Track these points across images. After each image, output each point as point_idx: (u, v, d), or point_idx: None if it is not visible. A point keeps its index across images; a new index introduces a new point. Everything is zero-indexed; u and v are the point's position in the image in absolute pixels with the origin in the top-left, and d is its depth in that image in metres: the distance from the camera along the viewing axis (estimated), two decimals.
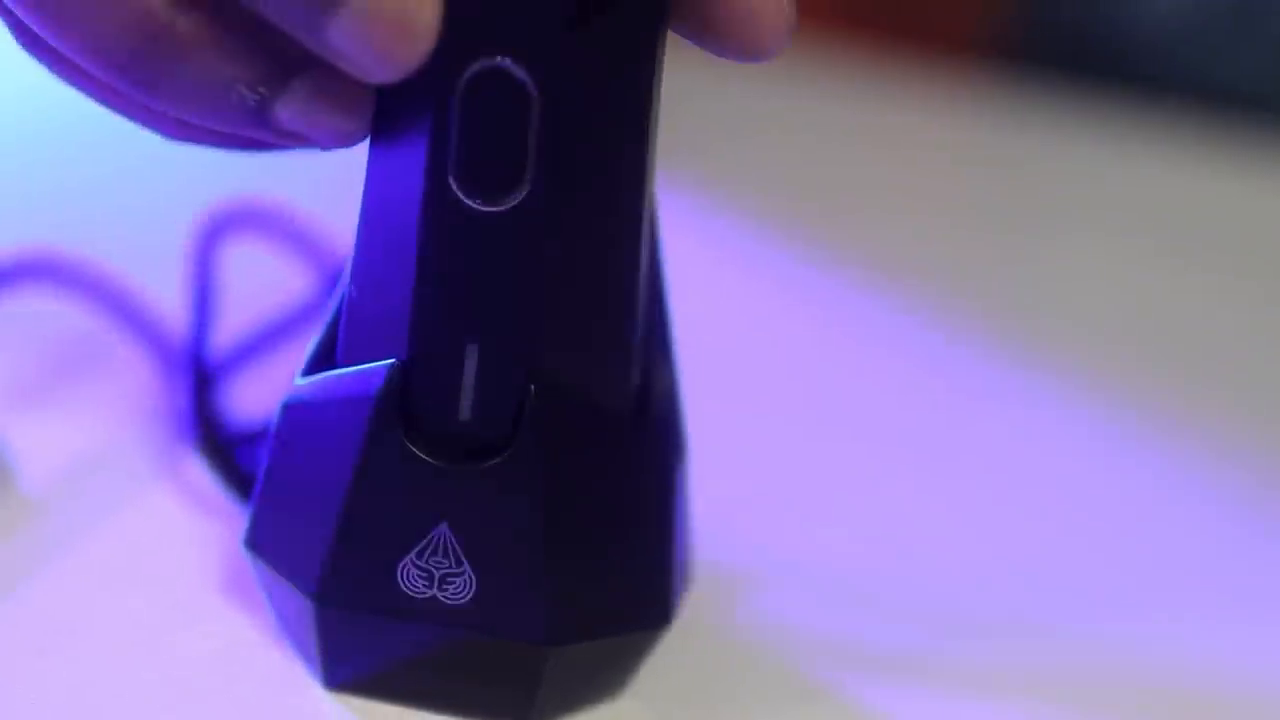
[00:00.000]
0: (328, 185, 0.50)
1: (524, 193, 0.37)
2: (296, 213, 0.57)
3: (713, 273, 0.63)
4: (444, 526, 0.39)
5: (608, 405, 0.40)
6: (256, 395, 0.50)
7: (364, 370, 0.39)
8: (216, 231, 0.54)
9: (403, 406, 0.38)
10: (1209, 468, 0.57)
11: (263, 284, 0.55)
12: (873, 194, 0.78)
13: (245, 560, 0.42)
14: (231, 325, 0.53)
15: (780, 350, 0.61)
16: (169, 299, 0.54)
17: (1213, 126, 0.87)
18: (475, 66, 0.36)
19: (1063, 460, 0.56)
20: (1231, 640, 0.48)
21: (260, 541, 0.41)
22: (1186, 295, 0.71)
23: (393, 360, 0.38)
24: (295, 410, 0.40)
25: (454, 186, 0.37)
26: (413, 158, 0.37)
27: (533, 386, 0.38)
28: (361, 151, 0.39)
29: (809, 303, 0.65)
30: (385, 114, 0.38)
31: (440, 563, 0.39)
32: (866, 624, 0.47)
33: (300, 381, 0.41)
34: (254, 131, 0.38)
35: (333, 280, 0.54)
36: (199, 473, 0.47)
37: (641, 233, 0.39)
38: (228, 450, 0.45)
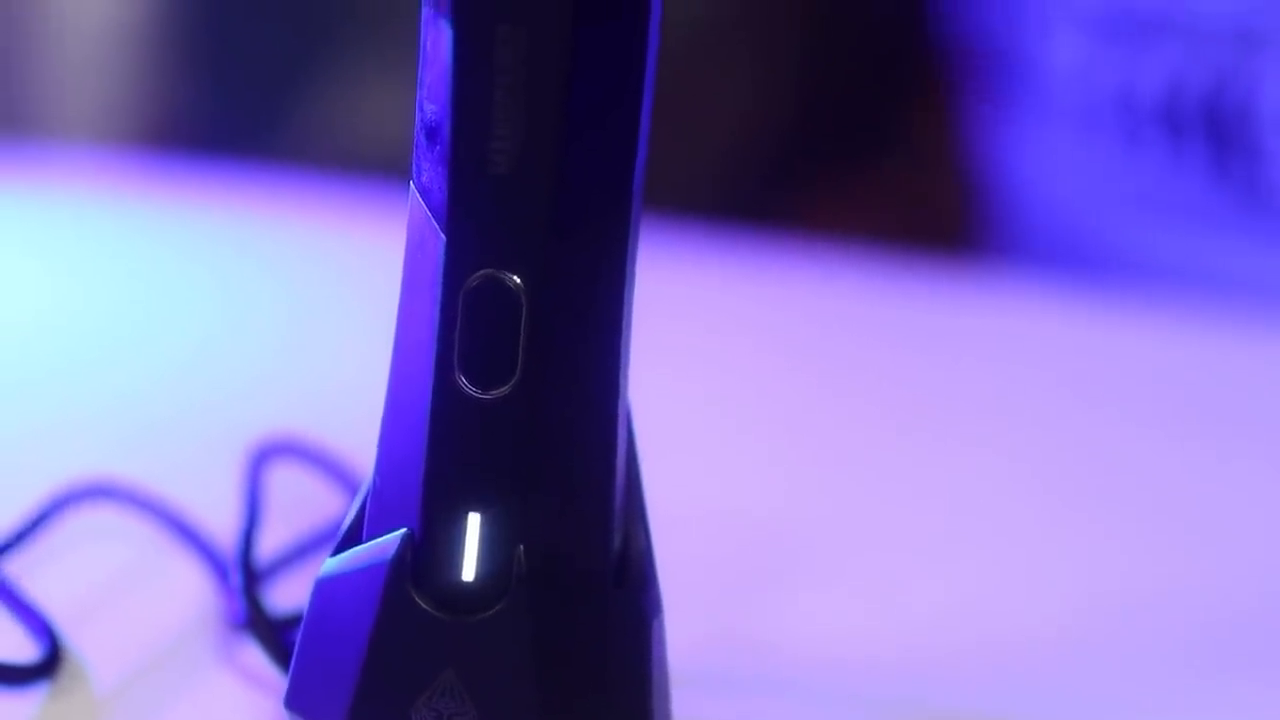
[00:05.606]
0: (356, 424, 0.58)
1: (515, 381, 0.45)
2: (330, 445, 0.65)
3: (680, 446, 0.69)
4: (449, 672, 0.45)
5: (591, 566, 0.47)
6: (297, 590, 0.57)
7: (380, 542, 0.46)
8: (263, 458, 0.62)
9: (413, 568, 0.46)
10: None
11: (301, 504, 0.62)
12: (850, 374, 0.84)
13: None
14: (275, 537, 0.60)
15: (746, 508, 0.67)
16: (217, 517, 0.61)
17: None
18: (475, 275, 0.44)
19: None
20: None
21: (297, 699, 0.48)
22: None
23: (405, 530, 0.46)
24: (325, 583, 0.48)
25: (459, 377, 0.45)
26: (425, 354, 0.45)
27: (522, 548, 0.45)
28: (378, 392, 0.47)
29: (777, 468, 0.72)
30: (403, 321, 0.46)
31: (448, 704, 0.46)
32: None
33: (330, 561, 0.48)
34: None
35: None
36: (253, 656, 0.54)
37: (618, 414, 0.46)
38: (275, 631, 0.53)
